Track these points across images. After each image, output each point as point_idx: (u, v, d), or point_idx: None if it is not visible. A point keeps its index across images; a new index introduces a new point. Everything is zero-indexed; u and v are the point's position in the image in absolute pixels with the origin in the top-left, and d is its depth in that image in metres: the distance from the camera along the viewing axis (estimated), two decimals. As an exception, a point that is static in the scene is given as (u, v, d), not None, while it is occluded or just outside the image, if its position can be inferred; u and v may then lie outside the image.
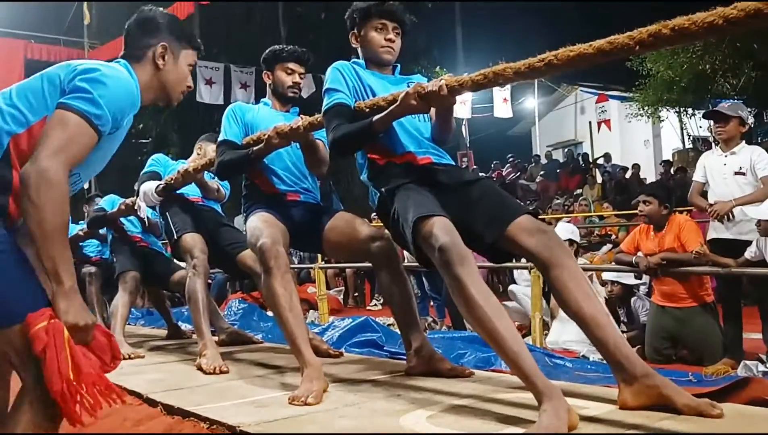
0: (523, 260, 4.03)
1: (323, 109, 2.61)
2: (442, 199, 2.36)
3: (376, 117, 2.39)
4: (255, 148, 2.95)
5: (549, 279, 2.20)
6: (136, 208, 4.32)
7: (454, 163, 2.63)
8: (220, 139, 3.20)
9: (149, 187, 3.87)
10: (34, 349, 1.54)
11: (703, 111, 11.94)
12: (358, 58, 2.79)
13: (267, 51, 3.33)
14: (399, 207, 2.37)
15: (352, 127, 2.46)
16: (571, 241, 5.43)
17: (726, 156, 4.38)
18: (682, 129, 14.19)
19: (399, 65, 2.83)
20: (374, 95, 2.60)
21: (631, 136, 18.21)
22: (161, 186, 3.84)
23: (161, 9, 2.10)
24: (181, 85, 2.07)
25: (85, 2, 12.89)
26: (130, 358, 3.85)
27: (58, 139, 1.65)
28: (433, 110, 2.49)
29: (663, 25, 1.70)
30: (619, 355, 2.03)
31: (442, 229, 2.15)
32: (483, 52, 23.52)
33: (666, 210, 4.52)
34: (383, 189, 2.50)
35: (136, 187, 5.35)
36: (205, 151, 4.26)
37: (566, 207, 11.11)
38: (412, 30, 2.81)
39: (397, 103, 2.30)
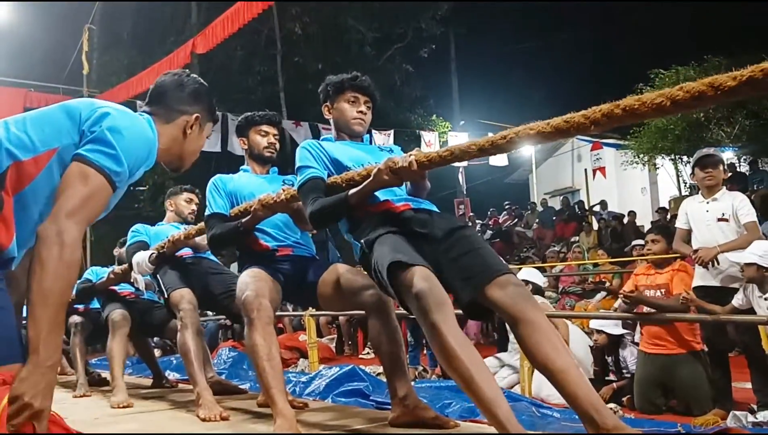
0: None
1: (298, 185, 2.69)
2: (421, 249, 2.34)
3: (351, 191, 2.46)
4: (243, 221, 3.04)
5: (517, 335, 2.17)
6: (133, 281, 4.33)
7: (434, 207, 2.62)
8: (207, 212, 3.28)
9: (142, 257, 3.92)
10: None
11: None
12: (329, 127, 2.91)
13: (240, 118, 3.52)
14: (378, 256, 2.35)
15: (329, 201, 2.53)
16: (527, 282, 5.57)
17: (708, 202, 4.35)
18: (677, 176, 14.23)
19: (369, 136, 2.94)
20: (342, 166, 2.68)
21: (628, 184, 18.29)
22: (154, 255, 3.89)
23: (199, 78, 2.08)
24: (195, 154, 2.06)
25: (84, 52, 13.08)
26: (119, 407, 3.80)
27: (78, 196, 1.59)
28: None
29: (614, 105, 1.77)
30: (590, 409, 1.99)
31: (420, 276, 2.14)
32: (478, 100, 23.92)
33: (670, 250, 4.55)
34: (362, 241, 2.50)
35: (115, 253, 5.35)
36: (176, 205, 4.42)
37: (562, 254, 11.06)
38: (380, 102, 2.95)
39: (371, 178, 2.37)
